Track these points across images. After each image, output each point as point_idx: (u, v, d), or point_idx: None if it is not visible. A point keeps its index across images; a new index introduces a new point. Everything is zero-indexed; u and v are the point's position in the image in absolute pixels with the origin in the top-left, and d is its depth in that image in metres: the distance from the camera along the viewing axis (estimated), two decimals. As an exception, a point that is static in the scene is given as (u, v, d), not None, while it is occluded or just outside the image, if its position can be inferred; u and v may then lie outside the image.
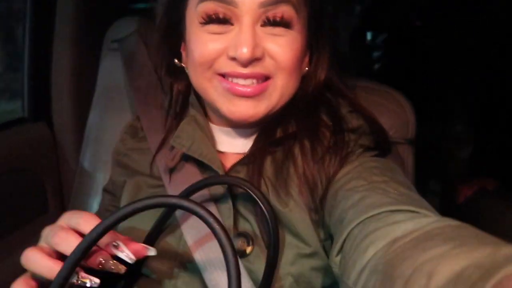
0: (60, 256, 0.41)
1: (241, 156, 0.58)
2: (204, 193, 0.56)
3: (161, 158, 0.63)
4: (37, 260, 0.40)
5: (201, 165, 0.59)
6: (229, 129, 0.60)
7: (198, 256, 0.53)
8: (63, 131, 1.01)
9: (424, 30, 2.00)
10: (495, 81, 1.55)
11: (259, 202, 0.49)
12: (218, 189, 0.56)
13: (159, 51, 0.63)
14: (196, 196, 0.55)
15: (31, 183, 0.96)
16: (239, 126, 0.60)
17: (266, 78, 0.54)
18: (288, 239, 0.53)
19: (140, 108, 0.74)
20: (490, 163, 1.60)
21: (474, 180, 1.57)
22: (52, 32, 0.97)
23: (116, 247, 0.40)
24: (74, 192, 0.93)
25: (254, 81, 0.53)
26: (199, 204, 0.40)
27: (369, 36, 2.46)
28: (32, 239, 0.89)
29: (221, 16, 0.52)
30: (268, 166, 0.57)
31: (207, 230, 0.54)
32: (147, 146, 0.66)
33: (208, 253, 0.53)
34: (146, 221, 0.56)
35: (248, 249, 0.53)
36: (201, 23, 0.53)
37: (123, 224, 0.58)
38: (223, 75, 0.54)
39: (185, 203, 0.40)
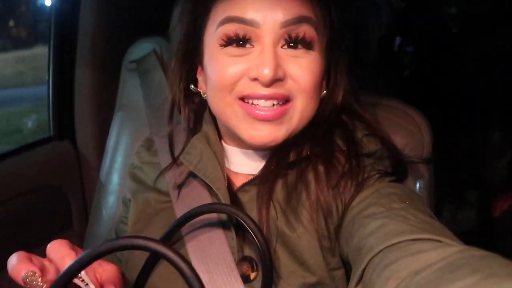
0: None
1: (252, 177, 0.58)
2: (212, 215, 0.56)
3: (170, 173, 0.63)
4: None
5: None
6: (243, 150, 0.60)
7: (202, 276, 0.53)
8: (86, 149, 1.05)
9: (461, 36, 1.94)
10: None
11: (252, 234, 0.48)
12: None
13: (176, 77, 0.62)
14: (204, 218, 0.55)
15: (57, 200, 1.00)
16: (255, 149, 0.59)
17: (286, 100, 0.53)
18: (293, 268, 0.52)
19: (153, 125, 0.75)
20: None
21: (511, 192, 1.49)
22: (74, 56, 1.02)
23: (79, 278, 0.39)
24: (93, 208, 0.95)
25: (275, 102, 0.53)
26: (170, 248, 0.38)
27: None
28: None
29: (241, 36, 0.52)
30: (279, 190, 0.55)
31: (212, 251, 0.54)
32: (159, 161, 0.66)
33: (212, 275, 0.53)
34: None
35: (252, 275, 0.52)
36: (221, 45, 0.53)
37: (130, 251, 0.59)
38: (242, 99, 0.53)
39: (151, 244, 0.37)
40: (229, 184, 0.59)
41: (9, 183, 0.88)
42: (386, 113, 0.74)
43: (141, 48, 0.91)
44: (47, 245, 0.92)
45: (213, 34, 0.54)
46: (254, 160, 0.59)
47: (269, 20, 0.51)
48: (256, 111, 0.52)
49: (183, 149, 0.62)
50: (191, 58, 0.60)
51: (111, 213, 0.89)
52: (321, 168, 0.55)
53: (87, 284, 0.39)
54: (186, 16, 0.59)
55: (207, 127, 0.62)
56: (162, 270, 0.55)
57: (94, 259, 0.36)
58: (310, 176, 0.55)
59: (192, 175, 0.60)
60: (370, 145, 0.57)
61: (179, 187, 0.60)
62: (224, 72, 0.53)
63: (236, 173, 0.60)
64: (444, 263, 0.34)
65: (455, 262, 0.34)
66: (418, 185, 0.72)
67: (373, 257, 0.41)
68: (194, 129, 0.64)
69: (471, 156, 1.90)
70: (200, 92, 0.61)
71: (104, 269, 0.47)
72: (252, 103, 0.53)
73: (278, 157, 0.57)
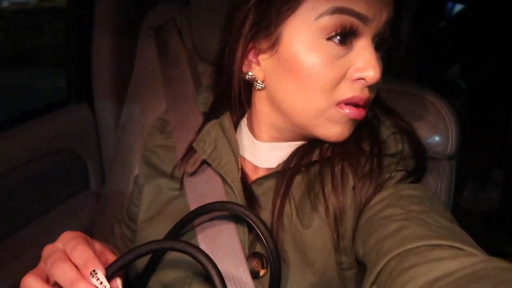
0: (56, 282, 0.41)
1: (268, 171, 0.56)
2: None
3: (183, 160, 0.61)
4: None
5: None
6: (270, 144, 0.57)
7: None
8: (103, 114, 1.04)
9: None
10: None
11: (262, 238, 0.47)
12: None
13: (238, 50, 0.52)
14: (217, 213, 0.54)
15: (74, 162, 1.01)
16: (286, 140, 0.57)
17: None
18: (302, 268, 0.51)
19: (169, 100, 0.73)
20: None
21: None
22: (93, 19, 0.98)
23: (92, 275, 0.39)
24: (110, 173, 0.96)
25: None
26: (200, 250, 0.43)
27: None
28: (75, 212, 0.96)
29: (355, 29, 0.47)
30: (296, 187, 0.54)
31: (221, 241, 0.54)
32: (173, 144, 0.65)
33: (220, 265, 0.52)
34: (161, 231, 0.56)
35: (262, 272, 0.51)
36: (328, 38, 0.47)
37: (141, 237, 0.59)
38: (339, 103, 0.50)
39: (187, 248, 0.44)
40: (243, 175, 0.57)
41: (27, 146, 0.89)
42: (409, 103, 0.68)
43: (161, 14, 0.87)
44: (66, 202, 0.96)
45: (310, 22, 0.47)
46: (277, 154, 0.57)
47: (377, 17, 0.47)
48: (350, 111, 0.50)
49: (196, 135, 0.60)
50: (256, 35, 0.51)
51: (128, 179, 0.89)
52: (339, 169, 0.52)
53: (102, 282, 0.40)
54: None
55: (223, 115, 0.60)
56: (170, 259, 0.56)
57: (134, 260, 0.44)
58: (328, 176, 0.53)
59: (205, 163, 0.58)
60: (397, 144, 0.54)
61: (192, 174, 0.59)
62: (327, 73, 0.48)
63: (255, 166, 0.58)
64: (465, 272, 0.33)
65: (477, 272, 0.32)
66: (438, 183, 0.68)
67: (389, 260, 0.40)
68: (209, 115, 0.62)
69: (502, 135, 1.82)
70: (255, 80, 0.53)
71: (106, 259, 0.47)
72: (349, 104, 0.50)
73: (300, 154, 0.55)
